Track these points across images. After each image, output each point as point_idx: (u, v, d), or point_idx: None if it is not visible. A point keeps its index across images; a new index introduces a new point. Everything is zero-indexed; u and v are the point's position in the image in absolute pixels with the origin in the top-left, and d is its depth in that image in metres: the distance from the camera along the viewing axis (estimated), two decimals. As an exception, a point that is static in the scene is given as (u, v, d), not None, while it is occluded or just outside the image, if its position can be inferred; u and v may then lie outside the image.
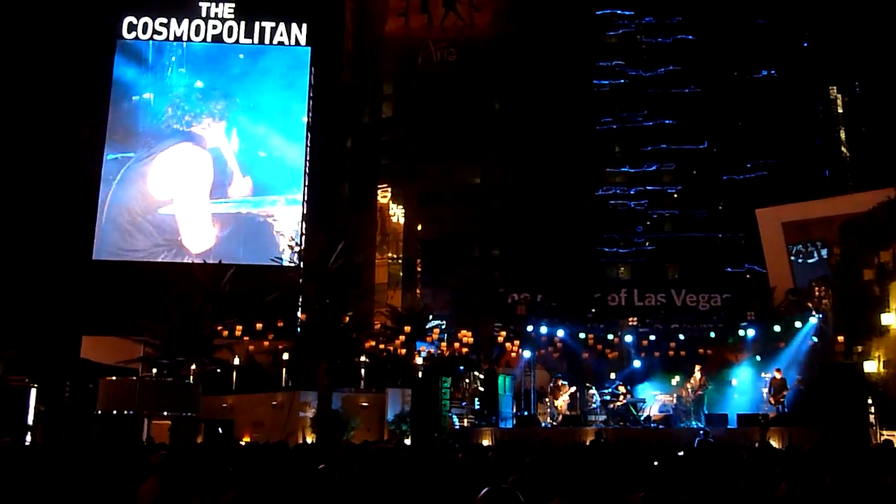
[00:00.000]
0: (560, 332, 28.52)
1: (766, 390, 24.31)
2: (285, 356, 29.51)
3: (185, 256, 44.61)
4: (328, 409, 26.87)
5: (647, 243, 60.12)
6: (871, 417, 22.85)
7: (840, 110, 64.01)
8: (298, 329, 31.47)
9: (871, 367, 26.54)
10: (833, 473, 7.13)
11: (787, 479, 5.94)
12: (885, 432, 22.09)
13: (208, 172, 48.47)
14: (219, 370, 30.79)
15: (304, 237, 46.30)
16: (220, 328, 31.82)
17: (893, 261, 27.65)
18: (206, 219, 47.93)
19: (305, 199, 49.93)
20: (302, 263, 34.29)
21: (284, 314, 32.42)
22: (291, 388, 28.71)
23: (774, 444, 19.35)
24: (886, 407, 24.18)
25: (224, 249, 46.63)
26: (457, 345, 33.89)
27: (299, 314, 34.58)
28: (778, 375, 24.42)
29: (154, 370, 30.92)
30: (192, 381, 28.10)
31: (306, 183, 50.21)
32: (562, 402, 26.35)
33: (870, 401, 23.21)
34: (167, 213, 47.48)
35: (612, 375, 27.57)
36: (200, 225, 47.83)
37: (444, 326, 38.27)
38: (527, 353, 28.33)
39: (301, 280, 33.65)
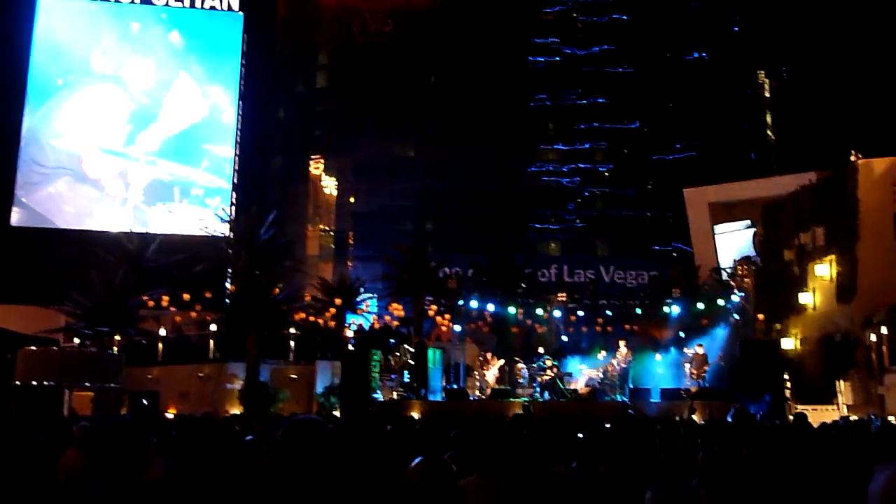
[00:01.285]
0: (490, 307, 28.75)
1: (687, 365, 24.94)
2: (213, 327, 29.12)
3: (109, 225, 43.48)
4: (256, 381, 26.63)
5: (577, 220, 60.93)
6: (787, 392, 23.64)
7: (767, 94, 65.55)
8: (227, 300, 31.05)
9: (788, 344, 27.43)
10: (750, 445, 7.37)
11: (706, 451, 6.10)
12: (798, 406, 22.91)
13: (132, 136, 47.23)
14: (144, 341, 30.25)
15: (234, 207, 45.60)
16: (145, 298, 31.22)
17: (812, 243, 28.58)
18: (130, 186, 46.80)
19: (236, 168, 49.13)
20: (232, 234, 33.78)
21: (213, 285, 31.95)
22: (219, 360, 28.36)
23: (696, 417, 19.86)
24: (801, 382, 25.06)
25: (150, 218, 45.67)
26: (388, 318, 33.91)
27: (228, 285, 34.15)
28: (699, 351, 25.04)
29: (76, 340, 30.22)
30: (115, 352, 27.55)
31: (237, 153, 49.38)
32: (491, 375, 26.59)
33: (786, 376, 24.00)
34: (90, 178, 46.18)
35: (541, 350, 27.93)
36: (125, 192, 46.68)
37: (375, 300, 38.23)
38: (457, 328, 28.49)
39: (231, 251, 33.17)
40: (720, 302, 26.13)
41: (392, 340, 29.49)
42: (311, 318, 31.28)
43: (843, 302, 26.51)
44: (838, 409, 23.81)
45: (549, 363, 26.16)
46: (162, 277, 33.65)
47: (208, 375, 27.68)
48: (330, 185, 60.46)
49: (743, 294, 25.15)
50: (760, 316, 27.51)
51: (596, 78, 61.67)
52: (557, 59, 62.62)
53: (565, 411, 20.41)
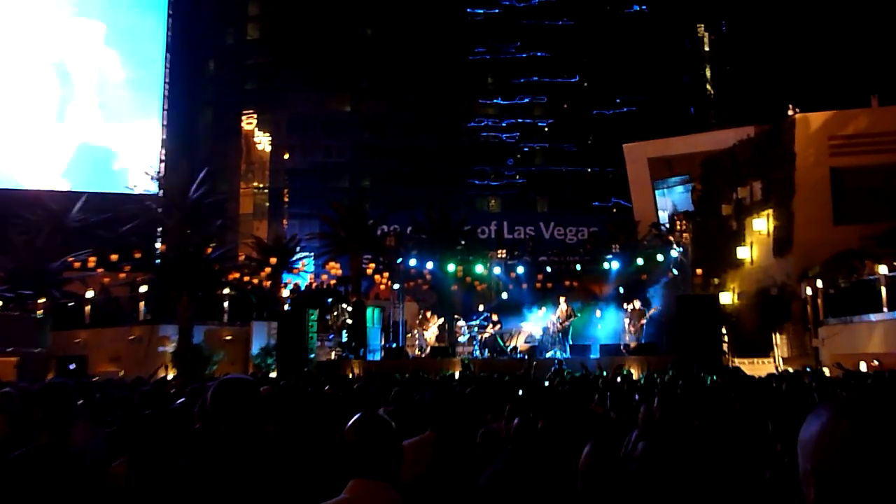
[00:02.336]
0: (429, 265, 28.76)
1: (626, 321, 25.37)
2: (143, 289, 28.62)
3: (30, 182, 42.21)
4: (189, 344, 26.33)
5: (517, 176, 61.20)
6: (724, 346, 24.23)
7: (707, 48, 66.29)
8: (157, 261, 30.53)
9: (726, 298, 28.08)
10: (688, 400, 7.52)
11: (641, 407, 6.21)
12: (735, 360, 23.53)
13: (54, 92, 45.78)
14: (70, 304, 29.61)
15: (163, 164, 44.65)
16: (71, 259, 30.51)
17: (750, 197, 29.16)
18: (53, 142, 45.42)
19: (164, 123, 48.03)
20: (161, 192, 33.12)
21: (142, 245, 31.36)
22: (150, 322, 27.93)
23: (634, 372, 20.26)
24: (738, 336, 25.71)
25: (75, 176, 44.46)
26: (325, 277, 33.80)
27: (158, 245, 33.55)
28: (636, 306, 25.46)
29: (-2, 304, 29.47)
30: (40, 316, 26.92)
31: (165, 107, 48.24)
32: (430, 333, 26.73)
33: (723, 330, 24.58)
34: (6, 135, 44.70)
35: (481, 307, 28.11)
36: (47, 149, 45.29)
37: (311, 258, 38.01)
38: (396, 286, 28.46)
39: (160, 209, 32.56)
40: (659, 257, 26.51)
41: (329, 300, 29.40)
42: (246, 278, 30.99)
43: (779, 256, 27.18)
44: (774, 361, 24.54)
45: (489, 321, 26.39)
46: (88, 237, 32.90)
47: (139, 338, 27.25)
48: (263, 141, 59.56)
49: (682, 249, 25.53)
50: (699, 271, 28.05)
51: (535, 31, 61.60)
52: (496, 11, 62.34)
53: (505, 369, 20.62)
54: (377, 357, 26.21)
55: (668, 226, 28.58)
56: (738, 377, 13.80)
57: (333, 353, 26.66)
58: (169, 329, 27.07)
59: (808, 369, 18.10)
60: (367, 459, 3.11)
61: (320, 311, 26.53)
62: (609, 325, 27.01)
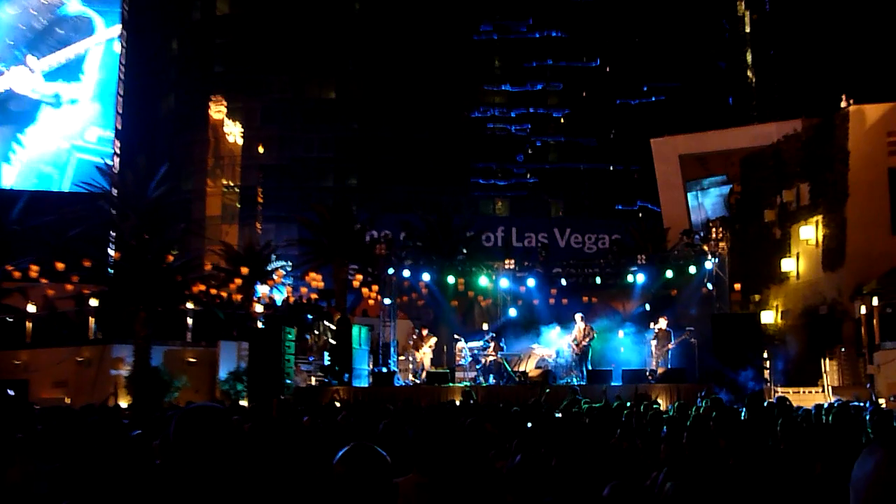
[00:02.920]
0: (426, 276, 28.75)
1: (653, 343, 25.34)
2: (94, 302, 28.60)
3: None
4: (147, 367, 26.31)
5: (528, 175, 61.23)
6: (766, 373, 24.22)
7: (748, 30, 66.31)
8: (111, 270, 30.52)
9: (768, 317, 28.10)
10: (724, 434, 7.53)
11: (668, 442, 6.22)
12: (779, 389, 23.50)
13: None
14: (9, 319, 29.59)
15: (118, 158, 44.70)
16: (10, 269, 30.51)
17: (797, 201, 29.20)
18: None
19: (120, 112, 48.09)
20: (115, 190, 33.14)
21: (92, 252, 31.35)
22: (102, 342, 27.90)
23: (661, 402, 20.25)
24: (782, 362, 25.71)
25: (16, 173, 44.50)
26: (304, 290, 33.81)
27: (112, 252, 33.54)
28: (662, 326, 25.43)
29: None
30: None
31: (121, 93, 48.30)
32: (426, 356, 26.72)
33: (765, 355, 24.58)
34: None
35: (485, 326, 28.14)
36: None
37: (289, 268, 38.02)
38: (387, 301, 28.45)
39: (114, 211, 32.58)
40: (691, 270, 26.53)
41: (309, 316, 29.38)
42: (213, 291, 31.00)
43: (829, 269, 27.20)
44: (823, 391, 24.52)
45: (493, 342, 26.36)
46: (30, 243, 32.91)
47: (89, 360, 27.22)
48: (234, 132, 59.61)
49: (717, 260, 25.55)
50: (737, 286, 28.05)
51: (550, 7, 61.65)
52: (505, -17, 62.47)
53: (513, 397, 20.60)
54: (364, 383, 26.19)
55: (702, 233, 28.58)
56: (782, 409, 13.81)
57: (314, 379, 26.64)
58: (123, 349, 27.04)
59: (862, 403, 18.09)
60: (357, 496, 3.12)
61: (299, 330, 26.53)
62: (633, 348, 26.99)
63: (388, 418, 10.29)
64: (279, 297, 33.77)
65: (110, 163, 38.81)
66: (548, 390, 22.27)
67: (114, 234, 34.96)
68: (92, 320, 28.66)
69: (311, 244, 34.84)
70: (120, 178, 34.60)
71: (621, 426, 9.10)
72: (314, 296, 33.14)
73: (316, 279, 34.14)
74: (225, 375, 27.08)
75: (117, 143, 47.27)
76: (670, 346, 25.21)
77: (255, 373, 24.98)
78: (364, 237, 35.36)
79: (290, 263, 38.56)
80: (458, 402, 19.60)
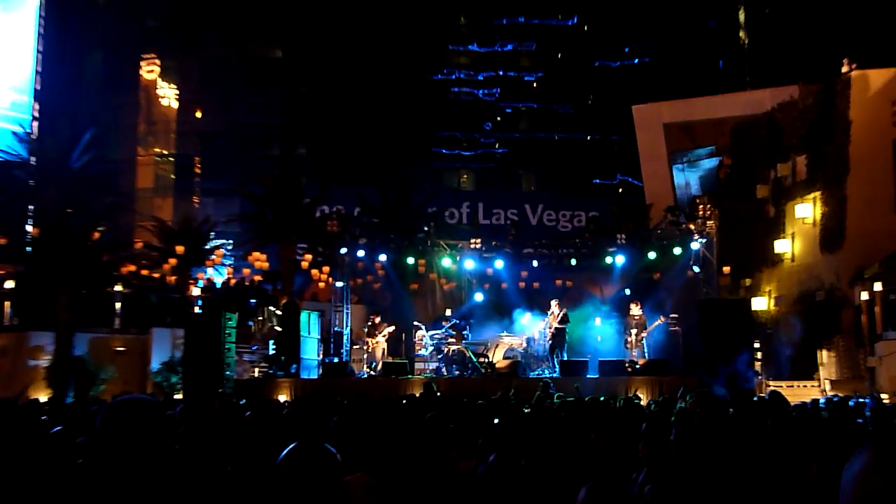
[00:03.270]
0: (382, 257, 28.73)
1: (633, 331, 25.47)
2: (9, 284, 28.33)
3: None
4: (70, 356, 26.12)
5: (496, 144, 61.26)
6: (758, 365, 24.45)
7: (740, -16, 66.53)
8: (28, 248, 30.19)
9: (760, 304, 28.37)
10: (710, 431, 7.59)
11: (649, 441, 6.26)
12: (771, 383, 23.75)
13: None
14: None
15: (36, 123, 44.14)
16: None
17: (793, 176, 29.41)
18: None
19: (38, 70, 47.43)
20: (34, 159, 32.75)
21: (8, 228, 30.98)
22: (18, 328, 27.69)
23: (642, 396, 20.42)
24: (775, 352, 25.96)
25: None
26: (247, 271, 33.64)
27: (30, 228, 33.12)
28: (635, 311, 25.60)
29: None
30: None
31: (40, 48, 47.62)
32: (383, 345, 26.74)
33: (756, 345, 24.82)
34: None
35: (448, 312, 28.16)
36: None
37: (230, 247, 37.83)
38: (339, 283, 28.39)
39: (32, 182, 32.20)
40: (676, 251, 26.71)
41: (253, 301, 29.30)
42: (144, 272, 30.78)
43: (828, 251, 27.46)
44: (820, 385, 24.82)
45: (457, 330, 26.41)
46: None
47: (3, 348, 27.02)
48: (168, 95, 59.04)
49: (705, 241, 25.72)
50: (726, 269, 28.29)
51: (522, -42, 61.57)
52: (471, -72, 62.21)
53: (478, 391, 20.68)
54: (314, 375, 26.19)
55: (688, 211, 28.76)
56: (775, 404, 13.94)
57: (257, 370, 26.60)
58: (42, 337, 26.84)
59: (863, 399, 18.30)
60: (302, 499, 3.10)
61: (240, 316, 26.42)
62: (612, 337, 27.20)
63: (339, 414, 10.30)
64: (219, 280, 33.60)
65: (28, 130, 38.23)
66: (516, 383, 22.41)
67: (32, 208, 34.51)
68: (7, 304, 28.42)
69: (255, 220, 34.67)
70: (39, 145, 34.15)
71: (597, 423, 9.14)
72: (258, 278, 32.99)
73: (260, 259, 33.98)
74: (158, 366, 26.97)
75: (36, 106, 46.61)
76: (644, 333, 25.40)
77: (192, 363, 24.84)
78: (314, 212, 35.24)
79: (231, 242, 38.35)
80: (417, 396, 19.63)
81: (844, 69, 27.99)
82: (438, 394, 20.87)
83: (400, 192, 34.43)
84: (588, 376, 23.92)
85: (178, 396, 23.26)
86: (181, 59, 58.55)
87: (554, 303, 26.05)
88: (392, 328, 27.27)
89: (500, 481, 4.88)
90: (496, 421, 10.14)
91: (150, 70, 58.25)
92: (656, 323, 25.36)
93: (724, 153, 33.64)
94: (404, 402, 16.42)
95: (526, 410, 13.17)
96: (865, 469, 1.56)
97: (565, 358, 25.42)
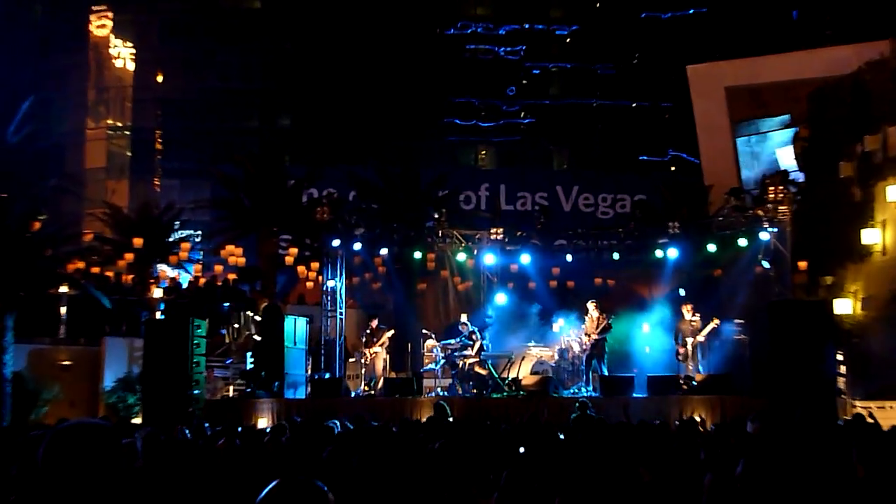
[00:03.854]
0: (383, 251, 28.75)
1: (688, 340, 25.32)
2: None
3: None
4: (4, 372, 26.19)
5: (522, 114, 61.22)
6: (841, 381, 24.34)
7: (818, -84, 66.29)
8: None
9: (843, 306, 28.20)
10: (784, 461, 7.56)
11: (714, 471, 6.24)
12: (858, 403, 23.63)
13: None
14: None
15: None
16: None
17: (883, 150, 29.24)
18: None
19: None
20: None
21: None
22: (-58, 338, 27.75)
23: (700, 419, 20.38)
24: (863, 365, 25.81)
25: None
26: (219, 268, 33.70)
27: (-44, 217, 33.30)
28: (692, 316, 25.46)
29: None
30: None
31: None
32: (373, 355, 26.64)
33: (840, 356, 24.70)
34: None
35: (463, 317, 28.16)
36: None
37: (198, 239, 37.87)
38: (331, 283, 28.41)
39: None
40: (741, 242, 26.63)
41: (226, 304, 29.32)
42: (95, 270, 30.81)
43: (927, 242, 27.35)
44: (917, 405, 24.72)
45: (475, 339, 26.39)
46: None
47: (-75, 362, 27.09)
48: (123, 55, 59.19)
49: (777, 230, 25.64)
50: (802, 264, 28.19)
51: None
52: None
53: (501, 413, 20.65)
54: (301, 394, 26.21)
55: (756, 194, 28.69)
56: (862, 429, 13.88)
57: (232, 388, 26.61)
58: (-28, 349, 26.92)
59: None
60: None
61: (212, 323, 26.45)
62: (662, 347, 27.12)
63: (333, 442, 10.29)
64: (185, 279, 33.64)
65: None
66: (547, 403, 22.37)
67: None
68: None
69: (229, 206, 34.70)
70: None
71: (646, 452, 9.13)
72: (233, 276, 32.99)
73: (235, 254, 33.99)
74: (111, 384, 26.99)
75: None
76: (697, 340, 25.26)
77: (153, 381, 24.84)
78: (300, 197, 35.22)
79: (199, 233, 38.41)
80: (426, 420, 19.62)
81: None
82: (452, 418, 20.88)
83: (405, 171, 34.41)
84: (634, 395, 23.89)
85: (137, 420, 23.27)
86: (138, 12, 58.65)
87: (591, 305, 25.98)
88: (391, 333, 27.19)
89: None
90: (522, 450, 10.13)
91: (100, 25, 58.41)
92: (710, 327, 25.18)
93: (799, 123, 33.54)
94: (411, 426, 16.43)
95: (560, 437, 13.16)
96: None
97: (606, 373, 25.37)
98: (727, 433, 13.20)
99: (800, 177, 31.79)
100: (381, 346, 26.83)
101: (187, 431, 13.58)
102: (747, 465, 5.81)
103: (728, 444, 9.98)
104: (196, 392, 24.33)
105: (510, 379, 25.89)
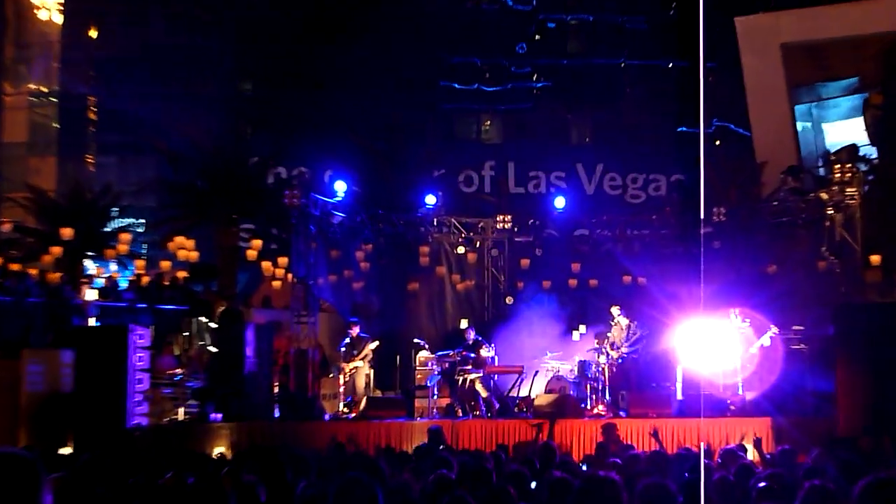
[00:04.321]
0: (367, 244, 28.76)
1: (743, 351, 25.28)
2: None
3: None
4: None
5: (534, 76, 61.21)
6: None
7: None
8: None
9: (925, 309, 28.27)
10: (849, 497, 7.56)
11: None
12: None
13: None
14: None
15: None
16: None
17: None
18: None
19: None
20: None
21: None
22: None
23: (751, 450, 20.40)
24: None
25: None
26: (166, 265, 33.65)
27: None
28: (740, 321, 25.32)
29: None
30: None
31: None
32: (356, 368, 26.64)
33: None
34: None
35: (464, 324, 28.19)
36: None
37: (141, 230, 37.85)
38: (303, 282, 28.40)
39: None
40: (801, 232, 26.66)
41: (175, 308, 29.32)
42: (15, 267, 30.84)
43: None
44: None
45: (478, 350, 26.41)
46: None
47: None
48: (49, 5, 59.24)
49: (844, 217, 25.64)
50: (875, 258, 28.18)
51: None
52: None
53: (510, 439, 20.68)
54: (266, 417, 26.21)
55: (819, 173, 28.72)
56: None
57: (182, 411, 26.61)
58: None
59: None
60: None
61: (157, 331, 26.49)
62: (706, 359, 27.12)
63: (307, 476, 10.30)
64: (125, 278, 33.63)
65: None
66: (565, 427, 22.38)
67: None
68: None
69: (179, 190, 34.70)
70: None
71: (684, 486, 9.15)
72: (183, 274, 32.96)
73: (186, 247, 33.94)
74: (34, 406, 27.02)
75: None
76: (747, 352, 25.20)
77: (85, 401, 24.91)
78: (265, 177, 35.22)
79: (142, 221, 38.40)
80: (419, 448, 19.61)
81: None
82: (447, 446, 20.91)
83: (393, 146, 34.42)
84: (669, 417, 23.89)
85: (66, 451, 23.29)
86: (67, -47, 58.71)
87: (617, 311, 25.94)
88: (376, 345, 27.16)
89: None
90: (534, 485, 10.15)
91: (21, -31, 58.42)
92: (767, 336, 25.16)
93: (871, 87, 33.53)
94: (397, 457, 16.45)
95: (583, 468, 13.18)
96: None
97: (637, 392, 25.38)
98: (783, 463, 13.22)
99: (872, 152, 31.76)
100: (363, 358, 26.80)
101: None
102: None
103: (783, 476, 9.99)
104: (138, 414, 24.39)
105: (521, 398, 25.91)
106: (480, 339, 26.65)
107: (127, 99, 55.54)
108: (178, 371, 27.19)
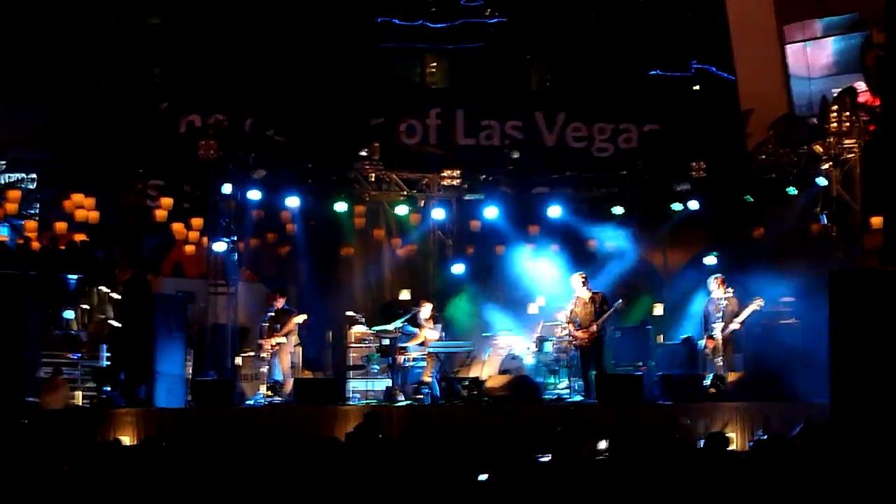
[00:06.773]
0: (293, 201, 28.73)
1: (717, 322, 25.34)
2: None
3: None
4: None
5: (487, 10, 61.16)
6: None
7: None
8: None
9: (929, 277, 28.52)
10: (840, 491, 7.70)
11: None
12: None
13: None
14: None
15: None
16: None
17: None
18: None
19: None
20: None
21: None
22: None
23: (735, 436, 20.56)
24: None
25: None
26: (62, 226, 33.50)
27: None
28: (723, 292, 25.32)
29: None
30: None
31: None
32: (280, 345, 26.57)
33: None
34: None
35: (405, 295, 28.23)
36: None
37: (32, 186, 37.67)
38: (219, 246, 28.32)
39: None
40: (792, 190, 26.80)
41: (73, 277, 29.23)
42: None
43: None
44: None
45: (422, 325, 26.43)
46: None
47: None
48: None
49: (840, 173, 25.79)
50: (876, 220, 28.37)
51: None
52: None
53: (459, 427, 20.80)
54: (179, 402, 26.14)
55: (812, 123, 28.87)
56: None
57: (80, 394, 26.53)
58: None
59: None
60: None
61: (52, 303, 26.41)
62: (683, 335, 27.25)
63: (226, 467, 10.35)
64: (14, 241, 33.47)
65: None
66: (518, 410, 22.46)
67: None
68: None
69: (75, 140, 34.50)
70: None
71: (662, 479, 9.27)
72: (81, 237, 32.81)
73: (85, 206, 33.79)
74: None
75: None
76: (731, 327, 25.27)
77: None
78: (177, 126, 35.07)
79: (33, 177, 38.19)
80: (352, 434, 19.64)
81: None
82: (388, 433, 20.97)
83: (323, 90, 34.34)
84: (644, 400, 24.00)
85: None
86: None
87: (577, 281, 25.73)
88: (304, 318, 27.06)
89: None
90: (484, 478, 10.21)
91: None
92: (751, 309, 25.18)
93: (872, 25, 33.71)
94: (330, 446, 16.50)
95: (542, 460, 13.28)
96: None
97: (605, 372, 25.38)
98: (769, 452, 13.35)
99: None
100: (287, 334, 26.67)
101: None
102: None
103: (772, 467, 10.11)
104: (30, 399, 24.30)
105: (470, 379, 25.89)
106: (424, 311, 26.64)
107: (13, 36, 55.23)
108: (76, 349, 27.10)
